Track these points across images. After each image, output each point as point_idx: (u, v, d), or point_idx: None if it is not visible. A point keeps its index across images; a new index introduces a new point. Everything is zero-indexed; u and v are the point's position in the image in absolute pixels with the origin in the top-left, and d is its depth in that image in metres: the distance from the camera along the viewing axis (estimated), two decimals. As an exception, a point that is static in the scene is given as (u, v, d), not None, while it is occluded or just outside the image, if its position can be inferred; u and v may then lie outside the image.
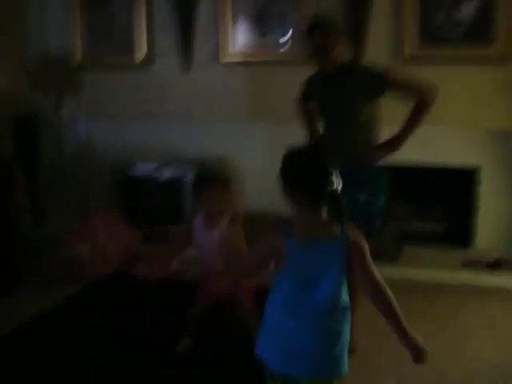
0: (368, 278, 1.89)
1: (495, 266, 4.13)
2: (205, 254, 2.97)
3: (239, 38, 4.72)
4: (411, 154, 4.30)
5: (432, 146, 4.34)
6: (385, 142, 3.02)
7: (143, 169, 4.89)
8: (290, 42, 4.62)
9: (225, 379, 2.92)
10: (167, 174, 4.84)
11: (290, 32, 4.60)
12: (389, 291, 1.92)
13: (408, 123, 2.97)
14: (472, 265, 4.17)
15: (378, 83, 2.92)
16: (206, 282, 3.00)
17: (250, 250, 2.03)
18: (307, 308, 1.86)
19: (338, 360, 1.92)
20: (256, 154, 4.73)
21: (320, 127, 3.24)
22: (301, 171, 1.84)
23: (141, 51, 4.95)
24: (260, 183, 4.73)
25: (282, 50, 4.65)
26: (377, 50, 4.31)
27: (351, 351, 3.08)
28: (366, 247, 1.89)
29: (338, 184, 1.82)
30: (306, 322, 1.86)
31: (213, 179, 2.90)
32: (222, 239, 2.87)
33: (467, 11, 4.15)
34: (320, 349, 1.88)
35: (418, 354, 1.97)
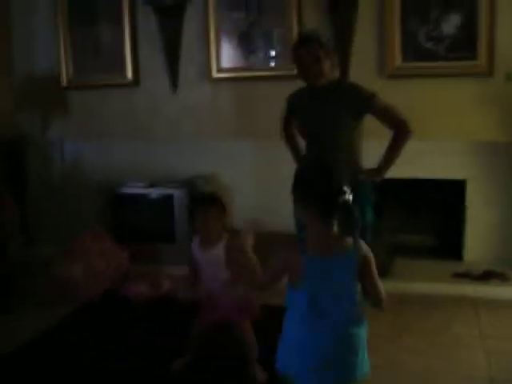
0: (373, 288, 1.98)
1: (485, 277, 4.15)
2: (204, 276, 2.97)
3: (225, 56, 4.74)
4: (399, 168, 4.35)
5: (420, 160, 4.36)
6: (369, 170, 3.06)
7: (132, 188, 4.88)
8: (276, 58, 4.65)
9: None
10: (156, 192, 4.84)
11: (276, 49, 4.63)
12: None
13: (388, 155, 3.07)
14: (462, 276, 4.19)
15: (364, 103, 2.97)
16: (205, 305, 3.00)
17: (265, 265, 2.04)
18: (325, 320, 1.92)
19: (359, 363, 1.99)
20: (245, 171, 4.74)
21: (301, 145, 3.26)
22: (313, 186, 1.91)
23: (128, 71, 4.97)
24: (249, 200, 4.76)
25: (268, 67, 4.68)
26: (361, 66, 4.35)
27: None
28: (373, 260, 1.97)
29: (349, 196, 1.88)
30: (326, 334, 1.92)
31: (207, 204, 2.94)
32: (224, 257, 2.89)
33: (450, 26, 4.21)
34: (341, 356, 1.95)
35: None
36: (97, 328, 3.73)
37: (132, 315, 3.90)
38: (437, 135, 4.35)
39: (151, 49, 4.90)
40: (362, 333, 2.00)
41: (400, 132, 3.02)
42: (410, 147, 4.35)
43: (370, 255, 1.96)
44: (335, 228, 1.91)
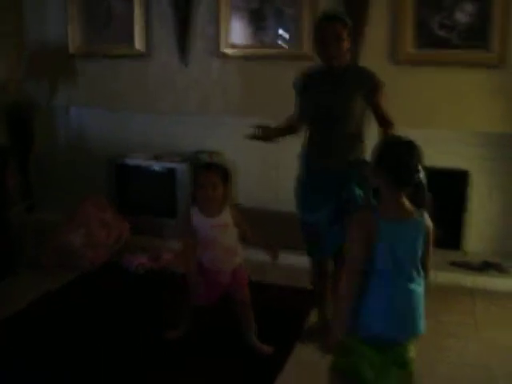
0: (428, 256, 2.18)
1: (483, 267, 4.17)
2: (204, 244, 2.98)
3: (236, 32, 4.72)
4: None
5: (424, 149, 4.36)
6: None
7: (136, 159, 4.89)
8: (286, 37, 4.63)
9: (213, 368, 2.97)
10: (159, 165, 4.85)
11: (287, 27, 4.60)
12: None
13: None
14: (460, 266, 4.21)
15: (371, 87, 2.98)
16: (207, 276, 3.02)
17: (351, 243, 2.14)
18: (403, 276, 2.10)
19: (423, 318, 2.18)
20: (250, 148, 4.72)
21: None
22: (400, 159, 2.09)
23: (137, 42, 4.94)
24: (253, 177, 4.78)
25: (278, 45, 4.66)
26: (372, 50, 4.32)
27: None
28: (433, 231, 2.19)
29: (423, 175, 2.09)
30: (403, 289, 2.11)
31: (211, 164, 3.05)
32: (224, 227, 2.97)
33: (463, 15, 4.18)
34: (414, 310, 2.14)
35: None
36: (95, 296, 3.76)
37: (131, 286, 3.93)
38: (443, 124, 4.34)
39: (162, 21, 4.87)
40: (423, 291, 2.18)
41: (387, 133, 2.99)
42: (414, 134, 4.34)
43: (432, 227, 2.17)
44: (405, 199, 2.10)
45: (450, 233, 4.61)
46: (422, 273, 2.16)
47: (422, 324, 2.18)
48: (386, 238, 2.06)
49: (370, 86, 2.97)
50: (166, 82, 4.96)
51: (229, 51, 4.74)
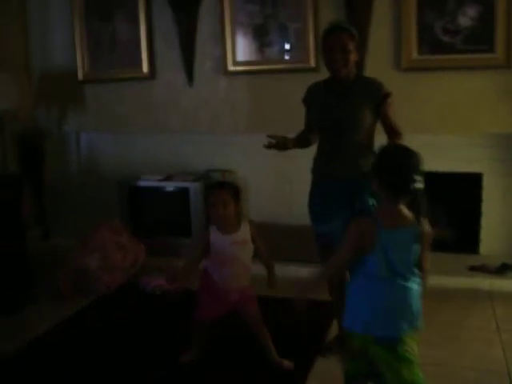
0: (424, 259, 2.28)
1: (501, 270, 4.14)
2: (222, 261, 2.99)
3: (241, 49, 4.74)
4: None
5: (436, 153, 4.35)
6: None
7: (148, 181, 4.92)
8: (291, 51, 4.65)
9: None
10: (172, 185, 4.87)
11: (291, 42, 4.63)
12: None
13: None
14: (478, 270, 4.18)
15: (379, 99, 2.97)
16: (216, 293, 3.03)
17: (344, 244, 2.26)
18: (396, 278, 2.20)
19: (420, 313, 2.29)
20: (261, 165, 4.74)
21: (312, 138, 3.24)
22: (397, 168, 2.16)
23: (144, 65, 4.99)
24: (265, 193, 4.78)
25: (283, 60, 4.68)
26: (377, 58, 4.33)
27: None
28: (431, 235, 2.28)
29: (421, 185, 2.15)
30: (395, 292, 2.22)
31: (220, 183, 3.11)
32: (244, 244, 3.00)
33: (467, 18, 4.18)
34: (406, 311, 2.24)
35: None
36: (112, 320, 3.76)
37: (148, 307, 3.94)
38: (453, 128, 4.33)
39: (167, 42, 4.91)
40: (419, 288, 2.27)
41: (396, 137, 2.99)
42: (425, 140, 4.36)
43: (430, 231, 2.25)
44: (403, 206, 2.19)
45: (466, 237, 4.60)
46: (417, 273, 2.26)
47: (420, 319, 2.28)
48: (382, 246, 2.16)
49: (378, 98, 2.97)
50: (174, 103, 4.99)
51: (235, 68, 4.76)
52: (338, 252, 2.30)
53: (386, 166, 2.19)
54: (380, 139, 2.99)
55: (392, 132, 2.99)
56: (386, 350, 2.25)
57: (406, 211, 2.19)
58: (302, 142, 3.21)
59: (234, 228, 2.99)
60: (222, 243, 2.97)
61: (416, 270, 2.25)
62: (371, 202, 2.95)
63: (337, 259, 2.32)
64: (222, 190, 2.97)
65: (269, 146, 3.07)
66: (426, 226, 2.24)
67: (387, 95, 2.99)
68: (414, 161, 2.17)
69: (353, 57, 2.95)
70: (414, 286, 2.24)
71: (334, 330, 3.39)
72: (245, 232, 3.01)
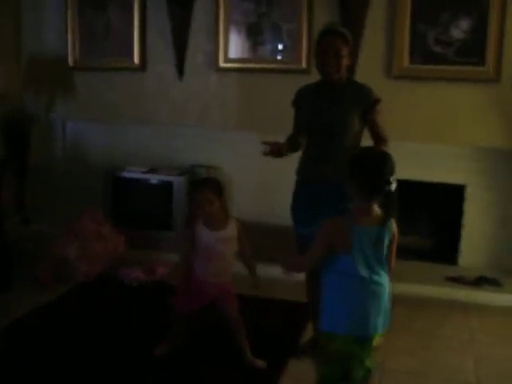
0: (390, 260, 2.36)
1: (478, 282, 4.17)
2: (208, 256, 3.02)
3: (233, 47, 4.75)
4: (399, 169, 4.36)
5: (420, 162, 4.39)
6: None
7: (133, 172, 4.90)
8: (284, 51, 4.65)
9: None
10: (156, 178, 4.85)
11: (284, 42, 4.63)
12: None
13: None
14: (455, 280, 4.21)
15: (368, 104, 2.97)
16: (197, 286, 3.05)
17: (317, 243, 2.30)
18: (371, 278, 2.27)
19: (387, 314, 2.37)
20: (248, 162, 4.74)
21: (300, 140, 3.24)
22: (371, 170, 2.22)
23: (135, 55, 4.97)
24: (251, 192, 4.78)
25: (275, 60, 4.69)
26: (368, 65, 4.35)
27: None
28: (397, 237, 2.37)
29: (394, 186, 2.21)
30: (371, 289, 2.28)
31: (203, 181, 3.12)
32: (230, 240, 3.03)
33: (459, 31, 4.21)
34: (380, 308, 2.32)
35: None
36: (89, 309, 3.75)
37: (125, 299, 3.93)
38: (439, 138, 4.36)
39: (160, 35, 4.90)
40: (388, 287, 2.36)
41: (382, 144, 2.98)
42: (411, 149, 4.38)
43: (396, 233, 2.33)
44: (375, 206, 2.25)
45: (446, 247, 4.63)
46: (386, 273, 2.34)
47: (389, 317, 2.39)
48: (358, 243, 2.22)
49: (367, 104, 2.97)
50: (163, 95, 4.98)
51: (226, 65, 4.76)
52: (310, 250, 2.33)
53: (363, 168, 2.24)
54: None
55: (378, 139, 2.99)
56: (361, 347, 2.32)
57: (377, 210, 2.26)
58: (293, 146, 3.20)
59: (221, 225, 3.01)
60: (209, 239, 2.99)
61: (386, 271, 2.33)
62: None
63: (310, 256, 2.35)
64: (206, 188, 2.98)
65: (265, 154, 3.06)
66: (395, 228, 2.32)
67: (376, 102, 2.99)
68: (389, 164, 2.24)
69: (345, 61, 2.95)
70: (386, 283, 2.33)
71: (308, 332, 3.40)
72: (232, 229, 3.03)
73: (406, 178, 4.38)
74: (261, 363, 3.08)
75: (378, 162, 2.24)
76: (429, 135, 4.37)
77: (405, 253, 4.61)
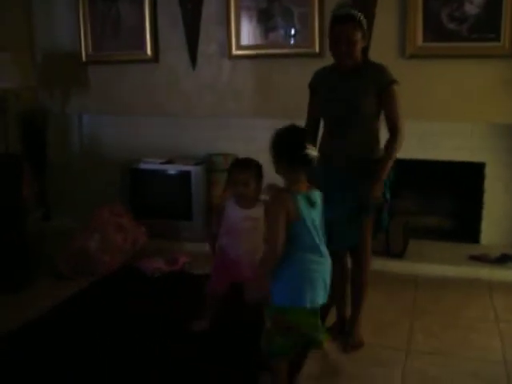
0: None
1: (501, 260, 4.14)
2: (235, 234, 3.10)
3: (245, 33, 4.72)
4: (418, 149, 4.33)
5: (439, 142, 4.35)
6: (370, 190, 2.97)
7: (150, 164, 4.91)
8: (296, 36, 4.62)
9: (237, 362, 2.96)
10: (174, 169, 4.86)
11: (296, 26, 4.59)
12: None
13: (382, 162, 2.96)
14: (478, 259, 4.18)
15: (384, 84, 2.93)
16: (229, 265, 3.12)
17: (275, 222, 2.39)
18: (322, 247, 2.48)
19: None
20: (263, 149, 4.71)
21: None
22: (286, 145, 2.43)
23: (147, 47, 4.97)
24: (266, 178, 4.76)
25: (288, 45, 4.65)
26: (382, 45, 4.29)
27: (358, 345, 3.13)
28: None
29: (313, 153, 2.40)
30: (323, 260, 2.48)
31: (243, 162, 3.17)
32: (257, 220, 3.05)
33: (473, 6, 4.14)
34: (328, 279, 2.50)
35: None
36: (112, 302, 3.77)
37: (148, 290, 3.95)
38: (457, 117, 4.31)
39: (171, 25, 4.88)
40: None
41: (393, 135, 2.95)
42: (429, 128, 4.34)
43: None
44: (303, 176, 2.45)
45: (468, 226, 4.59)
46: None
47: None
48: (304, 210, 2.39)
49: (382, 83, 2.93)
50: (177, 86, 4.98)
51: (239, 52, 4.74)
52: (273, 233, 2.39)
53: (282, 144, 2.44)
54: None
55: (390, 127, 2.95)
56: (314, 316, 2.50)
57: (305, 181, 2.46)
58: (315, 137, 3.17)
59: (250, 204, 3.08)
60: (236, 216, 3.09)
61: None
62: (388, 196, 2.95)
63: (277, 239, 2.37)
64: (248, 170, 3.05)
65: None
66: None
67: (392, 82, 2.94)
68: (302, 135, 2.46)
69: (359, 46, 2.91)
70: (328, 255, 2.52)
71: (331, 318, 3.39)
72: (259, 211, 3.05)
73: (424, 158, 4.37)
74: None
75: (293, 136, 2.45)
76: (445, 114, 4.32)
77: (426, 232, 4.64)
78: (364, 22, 2.92)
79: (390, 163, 2.95)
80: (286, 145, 2.43)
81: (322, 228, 2.51)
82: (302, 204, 2.39)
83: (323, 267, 2.48)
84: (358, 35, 2.88)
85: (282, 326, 2.47)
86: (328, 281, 2.50)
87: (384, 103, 2.95)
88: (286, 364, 2.60)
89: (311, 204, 2.43)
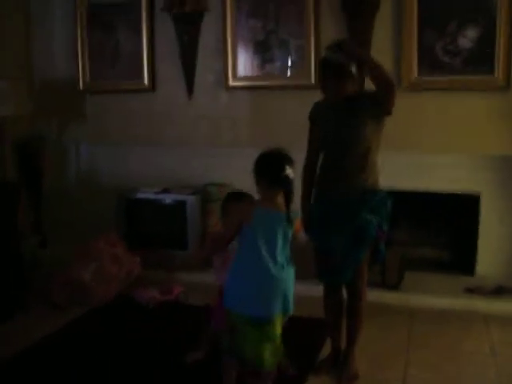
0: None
1: (496, 292, 4.12)
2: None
3: (242, 65, 4.76)
4: (413, 180, 4.34)
5: (434, 173, 4.36)
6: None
7: (146, 193, 4.90)
8: (293, 67, 4.66)
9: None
10: (170, 198, 4.86)
11: (293, 58, 4.64)
12: None
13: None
14: (474, 291, 4.16)
15: (373, 96, 2.95)
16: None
17: (228, 225, 2.74)
18: (270, 260, 2.57)
19: (291, 298, 2.67)
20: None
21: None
22: (267, 165, 2.65)
23: (145, 77, 5.00)
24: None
25: (284, 76, 4.69)
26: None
27: (353, 378, 3.10)
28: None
29: (290, 174, 2.59)
30: (270, 273, 2.57)
31: (239, 195, 3.16)
32: None
33: (467, 40, 4.20)
34: (280, 292, 2.61)
35: None
36: (106, 332, 3.74)
37: (143, 319, 3.91)
38: (452, 148, 4.33)
39: (168, 55, 4.93)
40: (291, 274, 2.68)
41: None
42: (425, 160, 4.36)
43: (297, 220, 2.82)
44: (279, 197, 2.62)
45: (463, 258, 4.58)
46: (290, 261, 2.67)
47: (291, 304, 2.67)
48: (258, 222, 2.57)
49: (372, 98, 2.95)
50: (174, 116, 5.00)
51: (235, 83, 4.78)
52: (221, 235, 2.75)
53: (263, 165, 2.65)
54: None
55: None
56: (256, 327, 2.58)
57: (280, 200, 2.62)
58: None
59: None
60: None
61: (289, 258, 2.67)
62: (370, 218, 2.95)
63: (221, 240, 2.74)
64: (240, 202, 3.02)
65: None
66: (295, 215, 2.74)
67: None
68: (283, 159, 2.63)
69: (348, 85, 2.92)
70: (291, 270, 2.65)
71: (327, 349, 3.36)
72: None
73: (420, 189, 4.38)
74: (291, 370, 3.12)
75: (275, 159, 2.64)
76: (441, 146, 4.35)
77: (421, 264, 4.62)
78: (354, 69, 2.92)
79: (372, 60, 2.90)
80: (267, 165, 2.64)
81: (284, 247, 2.64)
82: (258, 214, 2.59)
83: (267, 277, 2.58)
84: (346, 83, 2.91)
85: (228, 324, 2.67)
86: (285, 292, 2.62)
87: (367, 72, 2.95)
88: (234, 365, 2.77)
89: (271, 221, 2.60)
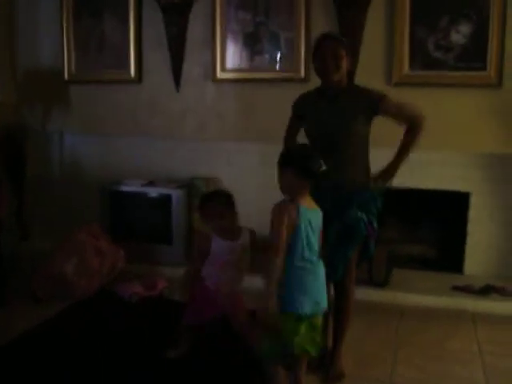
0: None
1: (485, 291, 4.09)
2: (220, 266, 3.01)
3: (230, 57, 4.69)
4: (403, 177, 4.29)
5: (424, 171, 4.32)
6: (380, 172, 3.01)
7: (131, 186, 4.83)
8: (282, 60, 4.59)
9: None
10: (155, 191, 4.78)
11: (282, 51, 4.57)
12: None
13: (399, 152, 3.02)
14: (461, 290, 4.13)
15: (376, 104, 2.93)
16: (207, 297, 3.03)
17: (279, 227, 2.50)
18: (315, 257, 2.58)
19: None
20: (246, 173, 4.68)
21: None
22: (300, 160, 2.56)
23: (131, 67, 4.92)
24: (250, 203, 4.69)
25: (273, 69, 4.62)
26: (368, 72, 4.28)
27: (339, 377, 3.05)
28: None
29: (324, 167, 2.54)
30: (317, 269, 2.60)
31: (217, 195, 3.12)
32: (243, 250, 3.03)
33: (460, 36, 4.15)
34: (324, 288, 2.65)
35: None
36: (87, 326, 3.67)
37: (126, 313, 3.85)
38: (442, 145, 4.28)
39: (156, 46, 4.85)
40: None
41: (413, 127, 3.01)
42: (415, 157, 4.30)
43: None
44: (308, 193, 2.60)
45: (451, 256, 4.55)
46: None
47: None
48: (303, 221, 2.51)
49: (373, 105, 2.93)
50: (160, 107, 4.93)
51: (223, 76, 4.71)
52: (277, 240, 2.49)
53: (299, 158, 2.57)
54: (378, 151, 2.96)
55: (408, 123, 3.03)
56: (308, 322, 2.59)
57: (310, 197, 2.60)
58: None
59: (234, 235, 3.02)
60: (222, 249, 3.00)
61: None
62: (360, 215, 2.90)
63: (279, 244, 2.48)
64: (216, 203, 3.01)
65: None
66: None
67: (383, 98, 2.95)
68: (314, 153, 2.60)
69: (344, 63, 2.93)
70: (322, 263, 2.64)
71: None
72: (245, 239, 3.03)
73: (410, 186, 4.33)
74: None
75: (309, 151, 2.64)
76: (431, 143, 4.28)
77: (409, 261, 4.59)
78: (347, 45, 2.98)
79: (406, 155, 3.00)
80: (296, 154, 2.61)
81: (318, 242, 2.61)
82: (303, 214, 2.51)
83: (315, 275, 2.58)
84: (343, 52, 2.93)
85: (272, 328, 2.53)
86: (322, 288, 2.63)
87: (387, 114, 2.97)
88: (280, 369, 2.69)
89: (309, 219, 2.54)
